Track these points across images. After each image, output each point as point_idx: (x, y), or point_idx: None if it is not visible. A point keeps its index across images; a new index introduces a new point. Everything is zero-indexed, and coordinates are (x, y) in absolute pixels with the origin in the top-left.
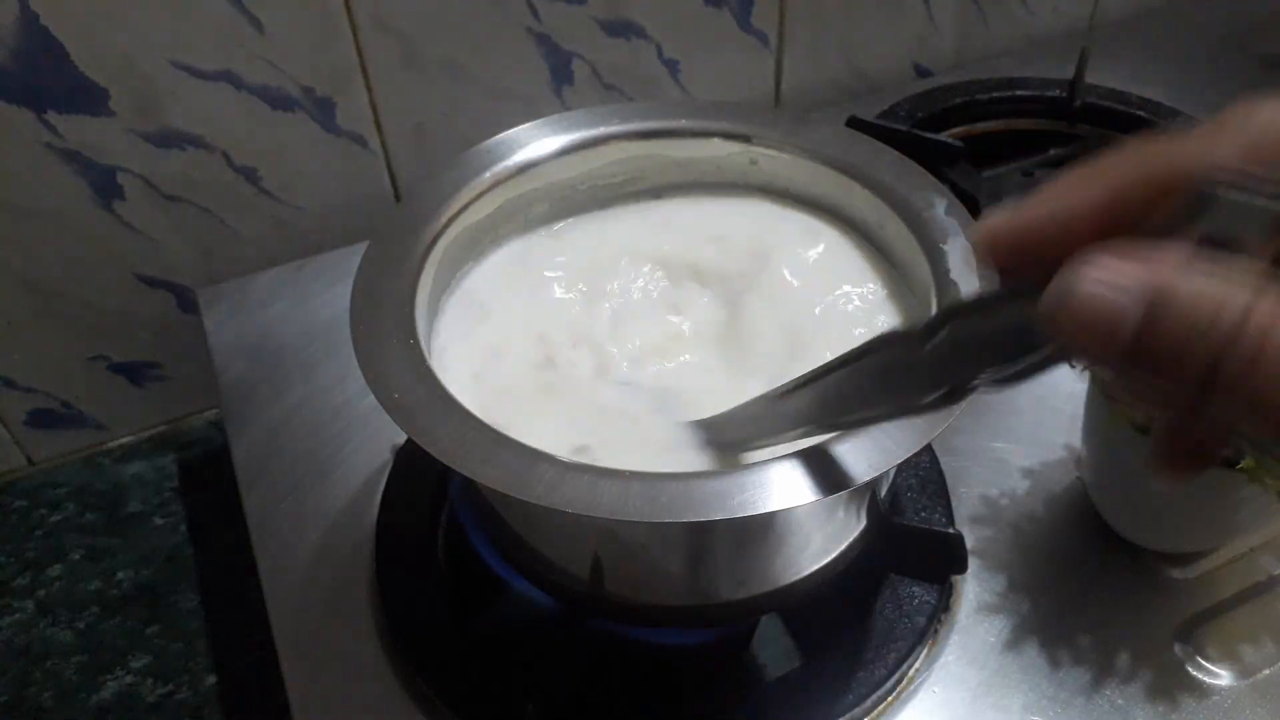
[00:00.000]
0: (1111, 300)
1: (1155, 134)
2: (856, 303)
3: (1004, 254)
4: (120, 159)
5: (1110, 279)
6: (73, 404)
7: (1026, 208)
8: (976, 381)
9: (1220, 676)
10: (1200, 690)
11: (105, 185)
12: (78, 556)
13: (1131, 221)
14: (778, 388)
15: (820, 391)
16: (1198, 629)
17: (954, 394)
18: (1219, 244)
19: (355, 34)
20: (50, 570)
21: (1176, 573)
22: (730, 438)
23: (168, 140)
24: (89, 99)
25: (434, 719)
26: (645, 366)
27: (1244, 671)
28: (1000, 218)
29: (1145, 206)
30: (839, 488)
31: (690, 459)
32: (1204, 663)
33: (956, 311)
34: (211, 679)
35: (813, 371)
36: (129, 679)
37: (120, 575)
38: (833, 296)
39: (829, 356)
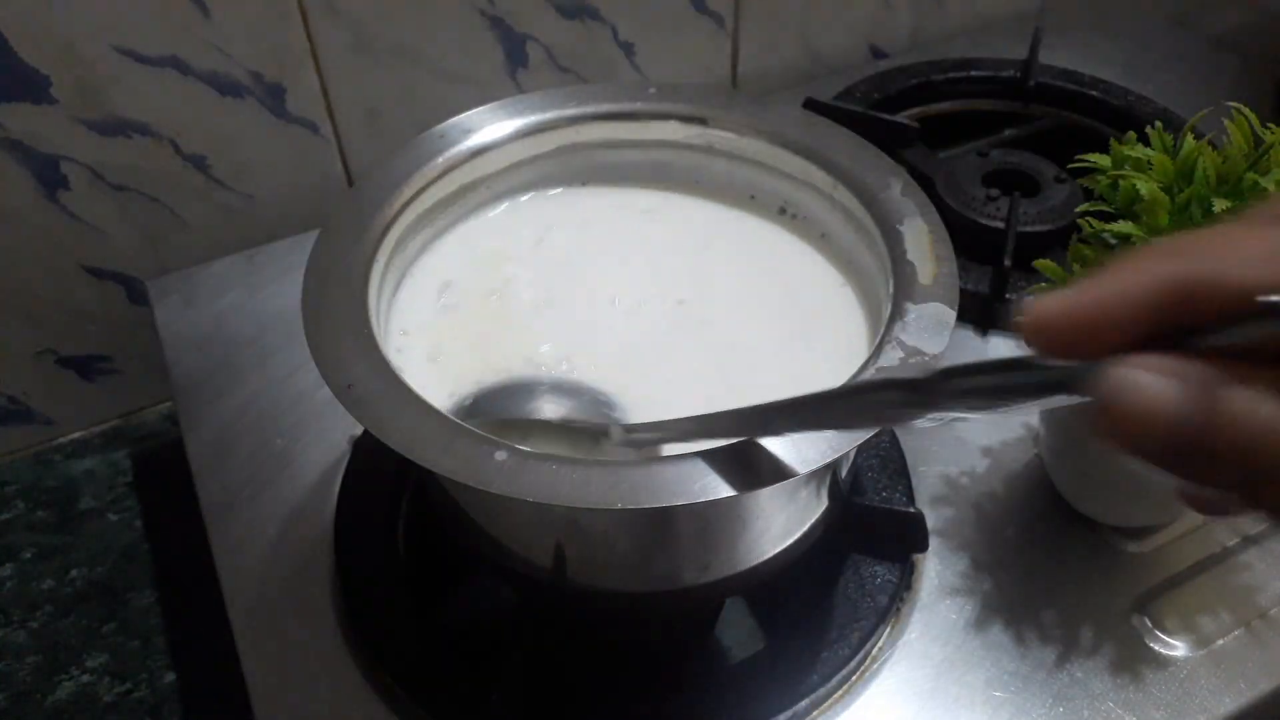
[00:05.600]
0: (1166, 392)
1: (1193, 234)
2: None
3: (1048, 340)
4: (64, 148)
5: (1160, 376)
6: (20, 399)
7: (1079, 294)
8: (959, 418)
9: (1177, 648)
10: (1158, 661)
11: (49, 175)
12: (29, 555)
13: (1170, 320)
14: (746, 408)
15: (793, 411)
16: (1155, 601)
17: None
18: (1247, 352)
19: (305, 18)
20: (1, 570)
21: (1133, 547)
22: (659, 437)
23: (113, 128)
24: (29, 87)
25: (397, 710)
26: (599, 350)
27: (1200, 642)
28: (1048, 303)
29: (1183, 311)
30: (800, 471)
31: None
32: (1161, 635)
33: (958, 372)
34: (170, 676)
35: (789, 400)
36: (85, 678)
37: (74, 573)
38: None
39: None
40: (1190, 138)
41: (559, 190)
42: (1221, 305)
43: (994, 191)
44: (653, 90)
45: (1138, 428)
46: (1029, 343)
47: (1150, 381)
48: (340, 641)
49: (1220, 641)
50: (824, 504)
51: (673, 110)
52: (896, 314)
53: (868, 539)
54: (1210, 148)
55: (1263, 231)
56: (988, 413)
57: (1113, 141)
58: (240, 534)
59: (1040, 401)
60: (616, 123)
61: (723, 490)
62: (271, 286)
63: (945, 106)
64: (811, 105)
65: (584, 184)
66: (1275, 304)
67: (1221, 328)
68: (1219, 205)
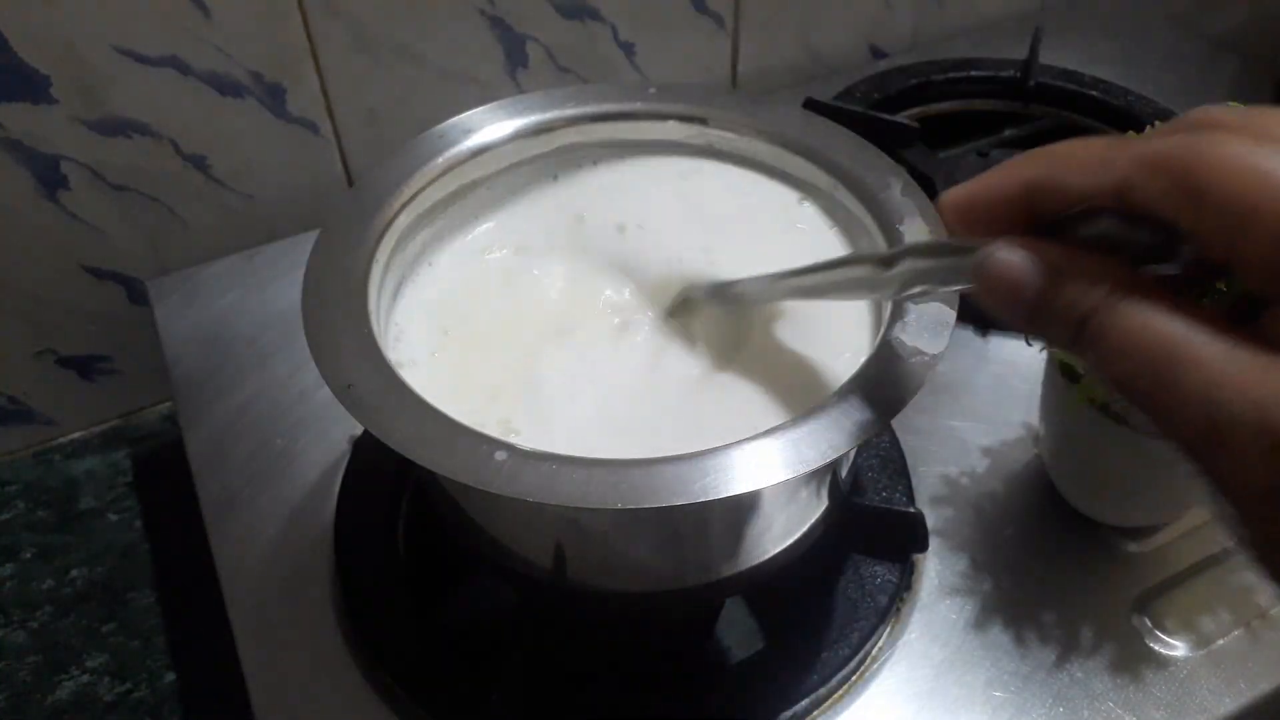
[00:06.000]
0: (1022, 269)
1: (1054, 145)
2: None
3: (954, 219)
4: (64, 148)
5: (1021, 257)
6: (20, 399)
7: (971, 186)
8: (915, 293)
9: (1177, 648)
10: (1158, 661)
11: (49, 175)
12: (29, 555)
13: (1038, 210)
14: (767, 275)
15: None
16: (1155, 601)
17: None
18: (1095, 244)
19: (305, 18)
20: (1, 570)
21: (1133, 546)
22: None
23: (113, 128)
24: (30, 86)
25: (398, 710)
26: (609, 344)
27: (1200, 642)
28: (955, 192)
29: (1047, 204)
30: (802, 468)
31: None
32: (1161, 635)
33: (914, 250)
34: (170, 676)
35: (797, 269)
36: (85, 678)
37: (74, 573)
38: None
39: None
40: None
41: (565, 176)
42: (1057, 205)
43: None
44: (653, 90)
45: (998, 289)
46: (946, 221)
47: (1009, 255)
48: (340, 641)
49: (1220, 641)
50: (824, 504)
51: (673, 110)
52: (897, 314)
53: (868, 539)
54: None
55: (1101, 147)
56: (933, 291)
57: None
58: (240, 534)
59: (959, 281)
60: (616, 123)
61: (723, 490)
62: (271, 286)
63: (945, 106)
64: (811, 105)
65: (594, 163)
66: (1098, 209)
67: (1071, 222)
68: None
